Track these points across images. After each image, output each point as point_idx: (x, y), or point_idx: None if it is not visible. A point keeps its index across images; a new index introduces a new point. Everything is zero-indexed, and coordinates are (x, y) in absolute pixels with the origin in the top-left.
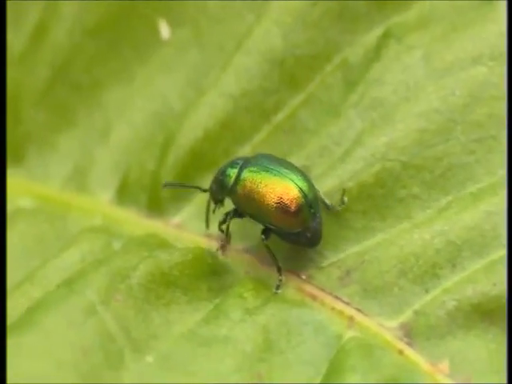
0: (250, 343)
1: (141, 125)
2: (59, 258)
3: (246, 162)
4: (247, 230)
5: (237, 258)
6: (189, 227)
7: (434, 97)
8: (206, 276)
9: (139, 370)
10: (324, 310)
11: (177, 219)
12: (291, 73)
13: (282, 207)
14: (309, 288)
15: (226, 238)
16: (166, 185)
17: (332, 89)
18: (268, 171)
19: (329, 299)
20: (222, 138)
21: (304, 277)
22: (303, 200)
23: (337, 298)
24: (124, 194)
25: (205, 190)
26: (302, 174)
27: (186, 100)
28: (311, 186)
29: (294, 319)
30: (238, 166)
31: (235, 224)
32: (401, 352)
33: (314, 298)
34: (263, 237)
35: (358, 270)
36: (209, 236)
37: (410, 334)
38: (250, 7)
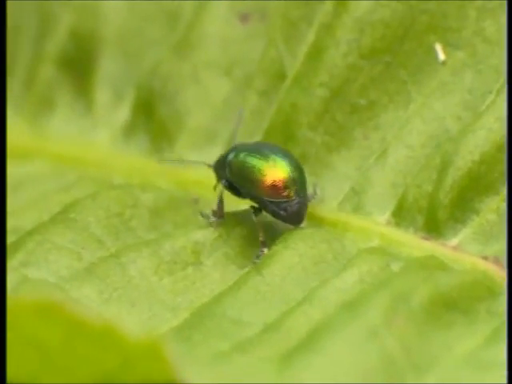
0: None
1: (417, 147)
2: (338, 278)
3: (241, 146)
4: None
5: None
6: (466, 249)
7: None
8: (485, 298)
9: None
10: None
11: (454, 241)
12: None
13: (268, 175)
14: None
15: (219, 203)
16: (161, 160)
17: None
18: (261, 151)
19: None
20: (498, 162)
21: None
22: (288, 174)
23: None
24: (401, 215)
25: (209, 166)
26: (296, 161)
27: (463, 123)
28: (299, 170)
29: None
30: (236, 149)
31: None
32: None
33: None
34: (253, 213)
35: None
36: (486, 258)
37: None
38: None
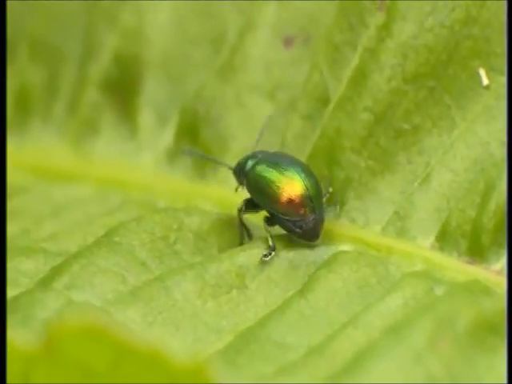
0: None
1: (461, 171)
2: (382, 302)
3: (263, 157)
4: None
5: None
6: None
7: None
8: None
9: None
10: None
11: (498, 266)
12: None
13: (284, 195)
14: None
15: (243, 230)
16: (184, 151)
17: None
18: (278, 165)
19: None
20: None
21: None
22: (304, 192)
23: None
24: (445, 239)
25: (230, 168)
26: (313, 176)
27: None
28: (317, 186)
29: None
30: (257, 159)
31: None
32: None
33: None
34: (266, 223)
35: None
36: None
37: None
38: None
